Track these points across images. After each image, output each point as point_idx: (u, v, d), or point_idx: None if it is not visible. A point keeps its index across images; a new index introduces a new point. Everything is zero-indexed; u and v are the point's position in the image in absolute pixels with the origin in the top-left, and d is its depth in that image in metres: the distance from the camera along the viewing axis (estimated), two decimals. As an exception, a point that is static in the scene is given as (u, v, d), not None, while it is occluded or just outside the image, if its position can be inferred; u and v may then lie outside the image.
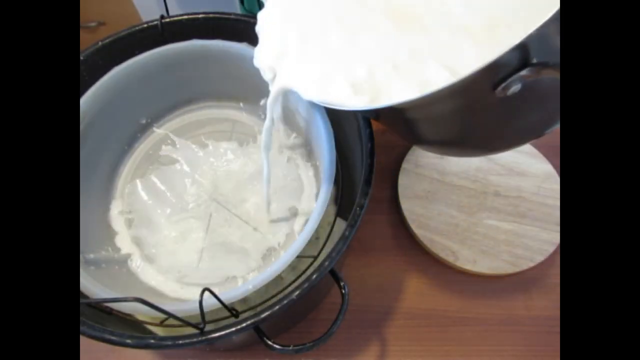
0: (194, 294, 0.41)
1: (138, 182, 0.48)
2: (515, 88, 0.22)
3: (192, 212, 0.46)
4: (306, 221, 0.35)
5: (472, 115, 0.26)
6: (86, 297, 0.32)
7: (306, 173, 0.47)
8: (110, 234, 0.45)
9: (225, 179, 0.48)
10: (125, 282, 0.41)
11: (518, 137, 0.30)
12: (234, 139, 0.51)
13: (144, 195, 0.47)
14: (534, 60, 0.21)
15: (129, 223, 0.46)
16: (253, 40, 0.44)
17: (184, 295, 0.41)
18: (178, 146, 0.50)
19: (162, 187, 0.48)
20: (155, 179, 0.48)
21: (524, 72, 0.21)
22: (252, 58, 0.35)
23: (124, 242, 0.44)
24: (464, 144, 0.32)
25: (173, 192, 0.47)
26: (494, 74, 0.22)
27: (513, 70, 0.21)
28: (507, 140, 0.30)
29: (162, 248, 0.44)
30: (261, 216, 0.45)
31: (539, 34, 0.19)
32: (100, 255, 0.40)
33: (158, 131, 0.50)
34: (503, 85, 0.22)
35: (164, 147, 0.50)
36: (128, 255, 0.43)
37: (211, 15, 0.44)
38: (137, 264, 0.43)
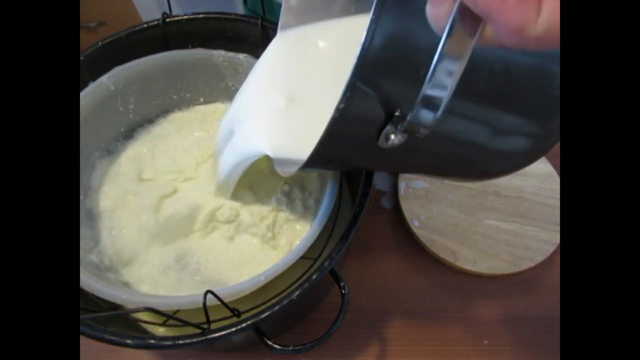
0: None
1: (115, 185, 0.44)
2: (399, 138, 0.20)
3: (173, 221, 0.41)
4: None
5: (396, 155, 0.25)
6: (86, 293, 0.32)
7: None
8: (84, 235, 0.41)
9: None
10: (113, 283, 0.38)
11: (464, 170, 0.29)
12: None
13: (122, 198, 0.43)
14: (397, 113, 0.20)
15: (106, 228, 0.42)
16: (252, 41, 0.44)
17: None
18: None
19: (144, 191, 0.43)
20: (135, 182, 0.44)
21: (388, 127, 0.20)
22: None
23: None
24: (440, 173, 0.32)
25: (154, 196, 0.42)
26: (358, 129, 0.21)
27: (382, 124, 0.20)
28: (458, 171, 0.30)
29: (136, 258, 0.40)
30: (254, 220, 0.42)
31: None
32: (84, 257, 0.38)
33: (146, 135, 0.48)
34: (380, 138, 0.21)
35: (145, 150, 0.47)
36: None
37: (212, 15, 0.44)
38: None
